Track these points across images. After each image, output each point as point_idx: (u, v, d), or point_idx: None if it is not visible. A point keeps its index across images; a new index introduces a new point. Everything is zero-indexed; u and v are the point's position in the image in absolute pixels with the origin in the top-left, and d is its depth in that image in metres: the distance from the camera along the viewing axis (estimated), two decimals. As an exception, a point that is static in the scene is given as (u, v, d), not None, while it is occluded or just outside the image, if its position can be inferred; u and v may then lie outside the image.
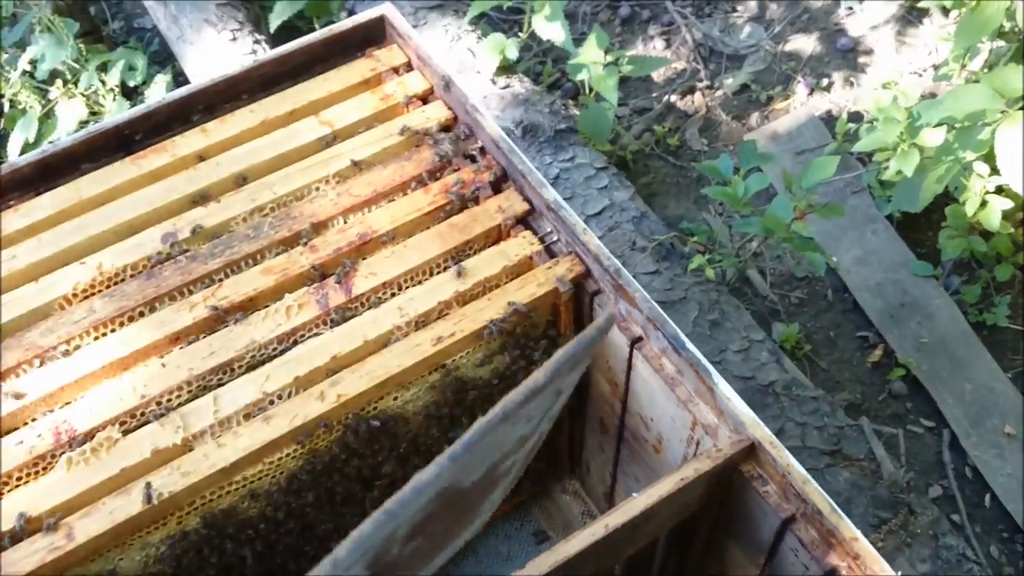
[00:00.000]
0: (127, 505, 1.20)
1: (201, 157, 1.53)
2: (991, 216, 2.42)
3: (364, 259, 1.44)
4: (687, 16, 3.35)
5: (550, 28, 2.57)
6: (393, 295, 1.41)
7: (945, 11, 3.20)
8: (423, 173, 1.52)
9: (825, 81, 3.12)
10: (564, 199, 2.42)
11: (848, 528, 1.14)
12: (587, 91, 2.75)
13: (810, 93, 3.10)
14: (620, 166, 3.01)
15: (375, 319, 1.37)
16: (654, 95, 3.20)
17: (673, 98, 3.17)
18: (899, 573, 1.14)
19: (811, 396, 2.04)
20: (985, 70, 2.71)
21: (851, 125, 2.86)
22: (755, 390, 2.07)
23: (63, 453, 1.25)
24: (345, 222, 1.47)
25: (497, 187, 1.53)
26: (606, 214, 2.38)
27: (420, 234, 1.47)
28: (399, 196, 1.50)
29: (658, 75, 3.24)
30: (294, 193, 1.49)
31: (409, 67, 1.67)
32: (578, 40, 3.14)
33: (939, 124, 2.33)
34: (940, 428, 2.42)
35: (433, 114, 1.60)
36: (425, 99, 1.63)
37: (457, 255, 1.46)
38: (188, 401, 1.31)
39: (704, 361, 1.27)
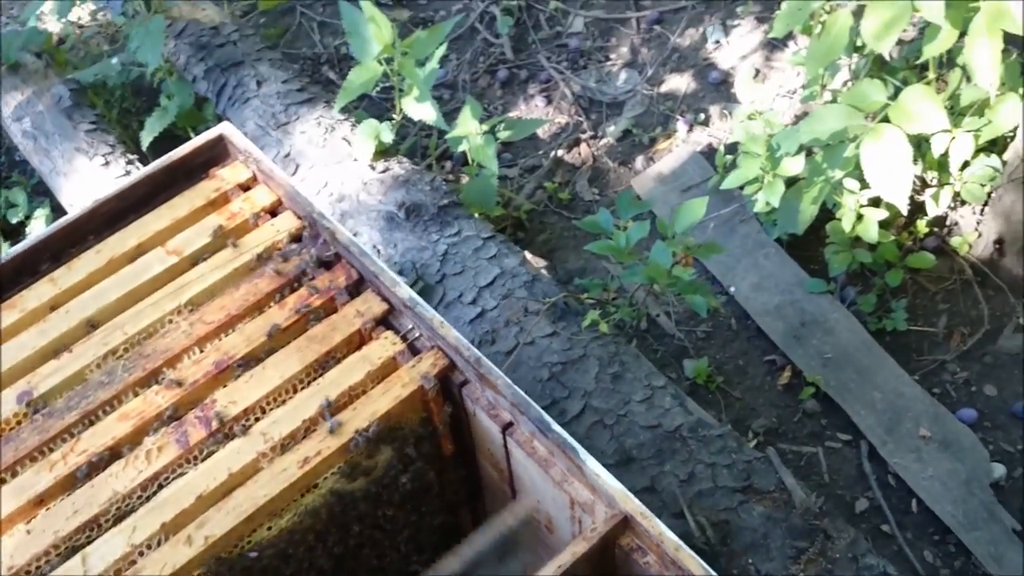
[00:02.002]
0: None
1: (52, 307, 1.51)
2: (869, 228, 2.48)
3: (223, 387, 1.42)
4: (563, 71, 3.41)
5: (420, 109, 2.60)
6: (256, 420, 1.39)
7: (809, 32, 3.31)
8: (276, 289, 1.51)
9: (702, 116, 3.19)
10: (454, 274, 2.44)
11: (723, 590, 1.13)
12: (470, 161, 2.78)
13: (690, 129, 3.16)
14: (517, 228, 3.04)
15: (239, 449, 1.35)
16: (541, 152, 3.25)
17: (560, 152, 3.22)
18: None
19: (717, 434, 2.05)
20: (848, 85, 2.80)
21: (729, 156, 2.92)
22: (663, 437, 2.07)
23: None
24: (200, 351, 1.45)
25: (354, 291, 1.53)
26: (498, 283, 2.39)
27: (279, 352, 1.46)
28: (254, 316, 1.49)
29: (543, 132, 3.29)
30: (146, 330, 1.47)
31: (254, 181, 1.67)
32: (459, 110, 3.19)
33: (800, 149, 2.39)
34: (857, 440, 2.44)
35: (283, 226, 1.59)
36: (274, 211, 1.63)
37: (320, 367, 1.45)
38: (57, 566, 1.27)
39: (571, 440, 1.27)
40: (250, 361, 1.44)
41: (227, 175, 1.67)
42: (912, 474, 2.35)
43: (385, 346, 1.46)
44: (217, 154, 1.70)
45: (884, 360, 2.53)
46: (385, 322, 1.50)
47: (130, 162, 2.69)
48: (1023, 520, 2.24)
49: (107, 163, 2.66)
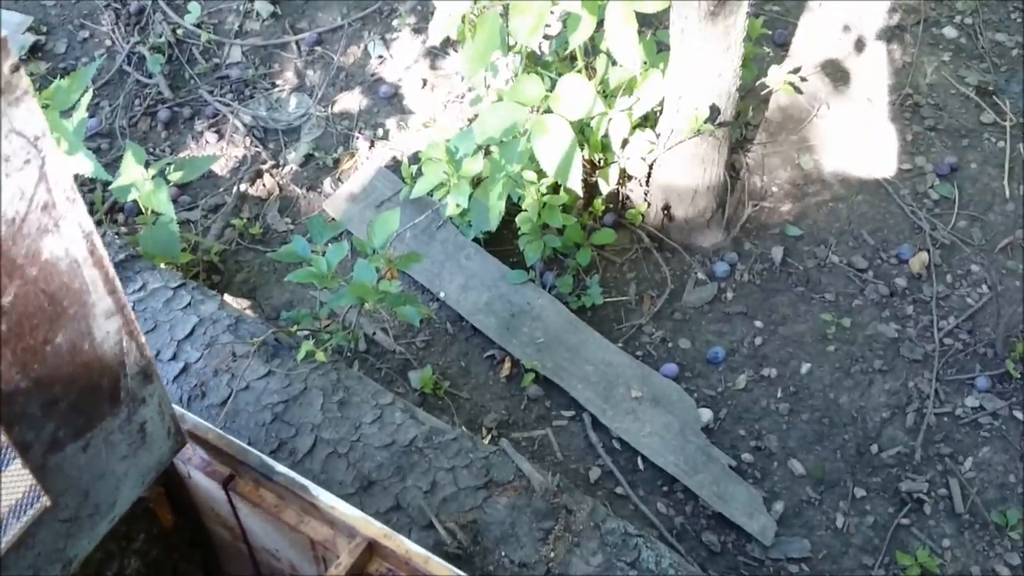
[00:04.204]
0: None
1: None
2: (553, 214, 2.62)
3: None
4: (230, 103, 3.28)
5: (74, 162, 2.37)
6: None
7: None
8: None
9: (381, 131, 3.21)
10: (147, 332, 2.26)
11: (479, 589, 1.13)
12: (143, 210, 2.58)
13: (371, 146, 3.17)
14: (211, 271, 2.88)
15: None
16: (222, 189, 3.10)
17: (243, 186, 3.10)
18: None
19: (452, 438, 2.06)
20: (509, 83, 2.92)
21: (414, 167, 2.96)
22: (400, 452, 2.06)
23: None
24: None
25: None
26: (198, 332, 2.25)
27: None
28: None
29: (221, 168, 3.15)
30: None
31: None
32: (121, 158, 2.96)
33: (479, 148, 2.48)
34: (580, 414, 2.57)
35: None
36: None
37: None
38: None
39: (299, 479, 1.21)
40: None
41: None
42: (633, 434, 2.52)
43: None
44: None
45: (589, 335, 2.68)
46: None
47: None
48: (736, 456, 2.47)
49: None
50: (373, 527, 1.17)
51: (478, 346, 2.72)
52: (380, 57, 3.40)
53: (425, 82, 3.32)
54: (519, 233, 2.71)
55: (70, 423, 1.05)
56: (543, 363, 2.62)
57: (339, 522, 1.19)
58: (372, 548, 1.18)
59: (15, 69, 0.84)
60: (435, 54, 3.38)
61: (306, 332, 2.28)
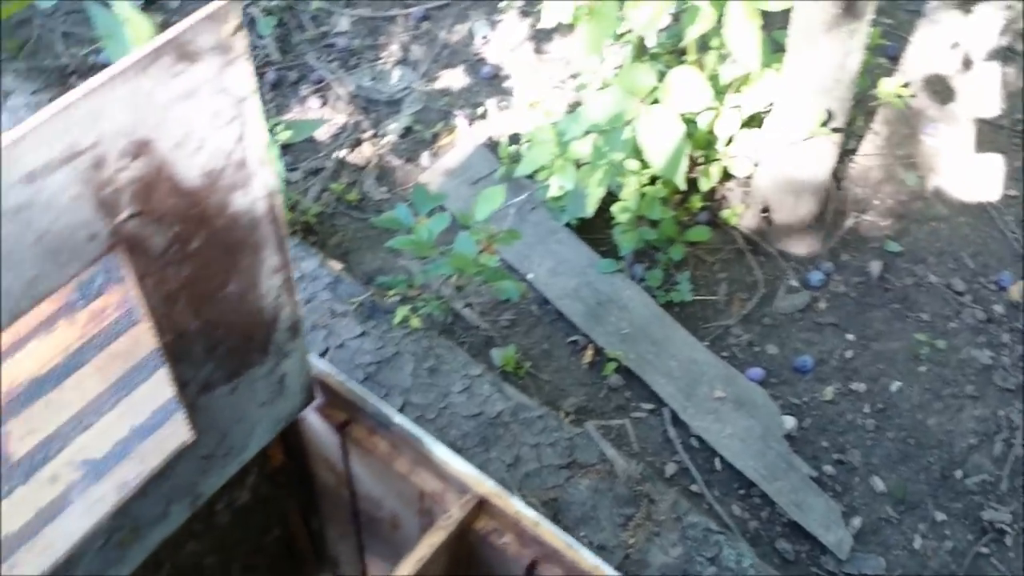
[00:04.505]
0: None
1: None
2: (652, 206, 2.61)
3: (15, 417, 1.26)
4: (335, 71, 3.33)
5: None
6: (60, 449, 1.24)
7: (572, 26, 3.44)
8: (64, 304, 1.36)
9: (480, 109, 3.23)
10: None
11: (586, 559, 1.14)
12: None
13: (470, 124, 3.19)
14: (307, 232, 2.93)
15: (44, 481, 1.19)
16: (322, 154, 3.15)
17: (342, 153, 3.14)
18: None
19: (538, 415, 2.07)
20: (616, 72, 2.92)
21: (513, 147, 2.97)
22: (486, 424, 2.07)
23: None
24: (-16, 377, 1.28)
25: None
26: (300, 287, 2.29)
27: (77, 373, 1.31)
28: (42, 336, 1.33)
29: (322, 134, 3.20)
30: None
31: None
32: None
33: (586, 133, 2.48)
34: (660, 408, 2.56)
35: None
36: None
37: (125, 387, 1.32)
38: None
39: (416, 431, 1.23)
40: (45, 383, 1.28)
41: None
42: (713, 434, 2.50)
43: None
44: None
45: (676, 330, 2.67)
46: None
47: None
48: (817, 467, 2.44)
49: None
50: (486, 485, 1.18)
51: (562, 330, 2.73)
52: (484, 37, 3.42)
53: (528, 65, 3.33)
54: (613, 222, 2.70)
55: (224, 367, 1.08)
56: (626, 354, 2.61)
57: (451, 476, 1.21)
58: (482, 505, 1.19)
59: (236, 31, 0.87)
60: (539, 38, 3.39)
61: (399, 298, 2.30)
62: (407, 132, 3.20)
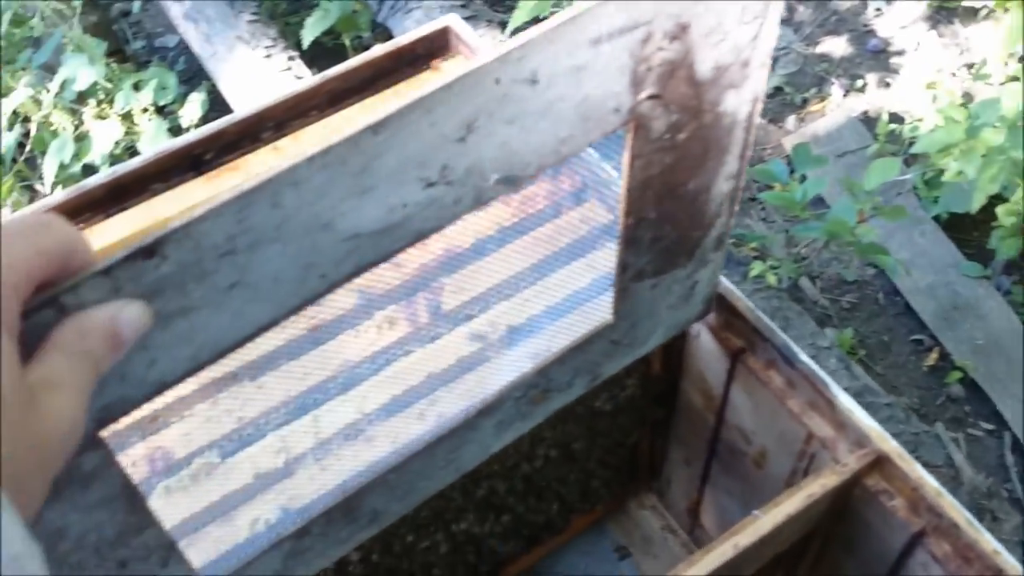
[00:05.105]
0: (233, 533, 1.15)
1: (273, 174, 1.49)
2: (1048, 216, 2.39)
3: (451, 275, 1.40)
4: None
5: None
6: (482, 310, 1.37)
7: (974, 12, 3.19)
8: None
9: (859, 82, 3.09)
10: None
11: (988, 541, 1.09)
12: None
13: (845, 95, 3.07)
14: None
15: (465, 336, 1.32)
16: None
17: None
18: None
19: (885, 403, 2.00)
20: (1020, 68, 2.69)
21: (893, 126, 2.83)
22: (823, 398, 2.02)
23: (159, 481, 1.20)
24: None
25: (578, 199, 1.49)
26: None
27: (504, 248, 1.43)
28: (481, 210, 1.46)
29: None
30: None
31: (478, 77, 1.62)
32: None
33: (993, 126, 2.30)
34: (1001, 431, 2.38)
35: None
36: (497, 109, 1.59)
37: (543, 266, 1.42)
38: (285, 423, 1.26)
39: (821, 373, 1.23)
40: (477, 253, 1.41)
41: (448, 68, 1.63)
42: (1057, 471, 2.29)
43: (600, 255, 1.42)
44: (440, 46, 1.65)
45: (1037, 354, 2.45)
46: (611, 232, 1.46)
47: (291, 57, 2.66)
48: None
49: (269, 55, 2.63)
50: (889, 443, 1.16)
51: (905, 326, 2.59)
52: (878, 10, 3.26)
53: (919, 45, 3.13)
54: (994, 225, 2.51)
55: (656, 262, 1.13)
56: (976, 366, 2.44)
57: (851, 426, 1.20)
58: (878, 462, 1.17)
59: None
60: (937, 19, 3.17)
61: (756, 253, 2.29)
62: (776, 92, 3.14)
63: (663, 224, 1.09)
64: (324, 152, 0.73)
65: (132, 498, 0.87)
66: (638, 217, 1.05)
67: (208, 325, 0.78)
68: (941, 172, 2.47)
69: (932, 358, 2.51)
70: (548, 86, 0.81)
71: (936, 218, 2.69)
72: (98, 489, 0.82)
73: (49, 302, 0.61)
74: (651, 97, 0.94)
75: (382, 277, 1.38)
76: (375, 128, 0.74)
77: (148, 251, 0.68)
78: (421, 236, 0.90)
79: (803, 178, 2.32)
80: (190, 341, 0.78)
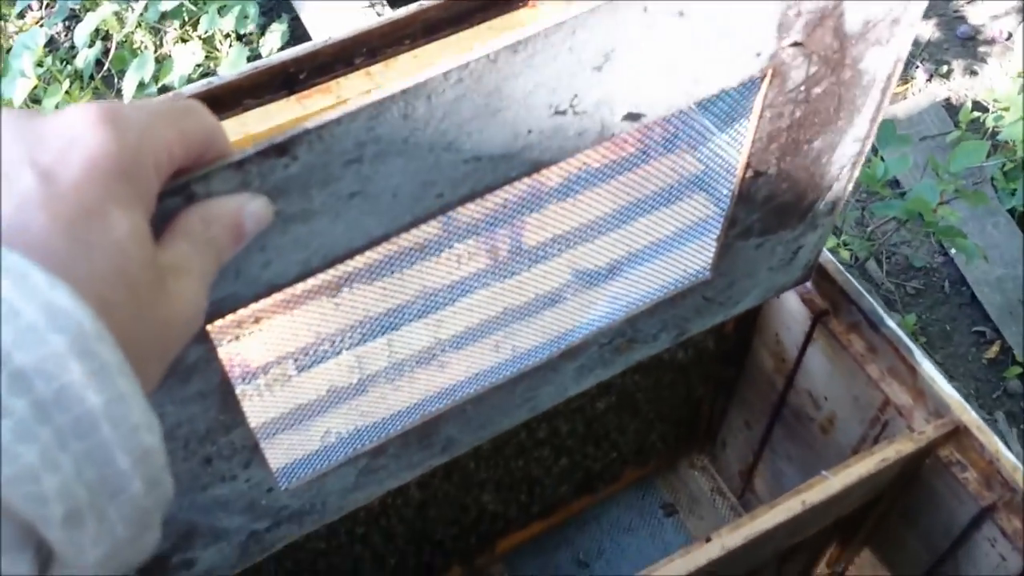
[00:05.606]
0: (306, 443, 1.17)
1: (364, 99, 1.49)
2: None
3: (534, 212, 1.39)
4: None
5: None
6: (562, 250, 1.36)
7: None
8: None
9: (944, 68, 3.02)
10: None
11: (1063, 521, 1.08)
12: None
13: (929, 79, 3.00)
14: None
15: (545, 273, 1.32)
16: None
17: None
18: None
19: (945, 388, 1.97)
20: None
21: (976, 114, 2.77)
22: (884, 378, 2.00)
23: (236, 387, 1.23)
24: (514, 173, 1.42)
25: (669, 148, 1.48)
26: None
27: (590, 190, 1.42)
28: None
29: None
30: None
31: (574, 19, 1.61)
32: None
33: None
34: (1059, 431, 2.34)
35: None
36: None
37: (627, 212, 1.41)
38: (359, 343, 1.28)
39: (906, 339, 1.21)
40: (563, 192, 1.41)
41: (549, 9, 1.62)
42: (1114, 477, 2.24)
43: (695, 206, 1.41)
44: (537, -16, 1.64)
45: (1105, 357, 2.40)
46: (701, 184, 1.45)
47: (374, -6, 2.66)
48: None
49: (353, -10, 2.63)
50: (968, 415, 1.15)
51: (969, 317, 2.55)
52: (971, -4, 3.17)
53: (1010, 35, 3.05)
54: (1073, 222, 2.45)
55: (766, 220, 1.11)
56: (1039, 363, 2.40)
57: (930, 396, 1.19)
58: (954, 433, 1.16)
59: None
60: (1032, 11, 3.08)
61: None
62: (857, 72, 3.08)
63: (781, 182, 1.07)
64: (461, 67, 0.72)
65: (226, 395, 0.88)
66: (757, 171, 1.03)
67: (324, 232, 0.78)
68: (1021, 164, 2.42)
69: (993, 351, 2.47)
70: (694, 20, 0.79)
71: (1011, 211, 2.63)
72: (196, 382, 0.83)
73: (181, 189, 0.61)
74: (794, 44, 0.91)
75: (466, 208, 1.39)
76: (515, 47, 0.73)
77: (280, 148, 0.68)
78: (538, 166, 0.89)
79: (881, 157, 2.27)
80: (305, 246, 0.78)
